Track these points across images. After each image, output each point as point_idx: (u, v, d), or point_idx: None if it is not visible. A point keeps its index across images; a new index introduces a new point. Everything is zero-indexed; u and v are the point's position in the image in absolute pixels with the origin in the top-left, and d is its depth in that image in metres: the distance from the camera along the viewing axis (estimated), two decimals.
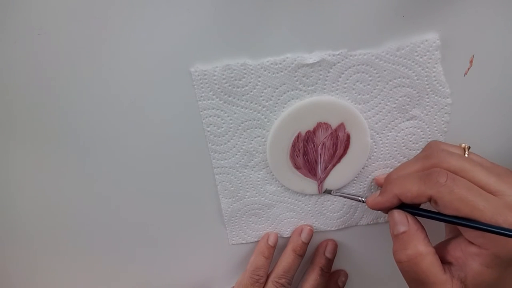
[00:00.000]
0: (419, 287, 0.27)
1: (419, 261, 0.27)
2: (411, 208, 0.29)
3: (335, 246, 0.40)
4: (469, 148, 0.30)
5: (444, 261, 0.28)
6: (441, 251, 0.28)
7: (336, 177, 0.37)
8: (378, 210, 0.31)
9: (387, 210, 0.30)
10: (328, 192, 0.37)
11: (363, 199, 0.34)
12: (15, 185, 0.37)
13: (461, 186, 0.25)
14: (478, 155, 0.30)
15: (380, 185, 0.37)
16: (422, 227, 0.29)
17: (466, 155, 0.30)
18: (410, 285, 0.29)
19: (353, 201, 0.38)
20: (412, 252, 0.27)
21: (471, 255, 0.26)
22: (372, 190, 0.38)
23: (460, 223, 0.26)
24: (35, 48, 0.31)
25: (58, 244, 0.40)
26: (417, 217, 0.29)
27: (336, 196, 0.38)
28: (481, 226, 0.24)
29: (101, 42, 0.31)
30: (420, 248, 0.27)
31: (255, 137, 0.35)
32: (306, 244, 0.38)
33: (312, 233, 0.39)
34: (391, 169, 0.37)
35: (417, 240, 0.27)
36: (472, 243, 0.26)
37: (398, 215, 0.29)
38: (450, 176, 0.26)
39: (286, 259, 0.38)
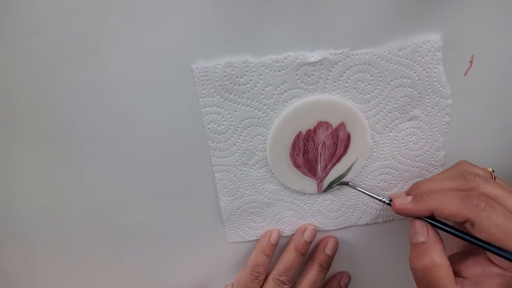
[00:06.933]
0: None
1: (433, 271, 0.28)
2: (435, 221, 0.30)
3: (336, 243, 0.40)
4: (493, 171, 0.32)
5: (458, 275, 0.29)
6: (457, 264, 0.30)
7: (336, 176, 0.36)
8: (403, 215, 0.31)
9: (411, 216, 0.31)
10: (345, 183, 0.36)
11: (387, 200, 0.34)
12: (15, 184, 0.37)
13: (498, 212, 0.27)
14: (502, 180, 0.31)
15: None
16: (441, 239, 0.30)
17: (494, 180, 0.31)
18: None
19: (353, 201, 0.38)
20: (428, 263, 0.28)
21: (492, 275, 0.28)
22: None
23: (489, 249, 0.27)
24: (35, 48, 0.31)
25: (57, 244, 0.40)
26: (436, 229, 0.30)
27: (354, 189, 0.36)
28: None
29: (101, 40, 0.31)
30: (436, 260, 0.28)
31: (255, 135, 0.35)
32: (308, 243, 0.38)
33: (315, 233, 0.39)
34: (391, 169, 0.37)
35: (433, 252, 0.29)
36: (494, 263, 0.28)
37: (419, 225, 0.30)
38: (489, 202, 0.27)
39: (288, 257, 0.38)
